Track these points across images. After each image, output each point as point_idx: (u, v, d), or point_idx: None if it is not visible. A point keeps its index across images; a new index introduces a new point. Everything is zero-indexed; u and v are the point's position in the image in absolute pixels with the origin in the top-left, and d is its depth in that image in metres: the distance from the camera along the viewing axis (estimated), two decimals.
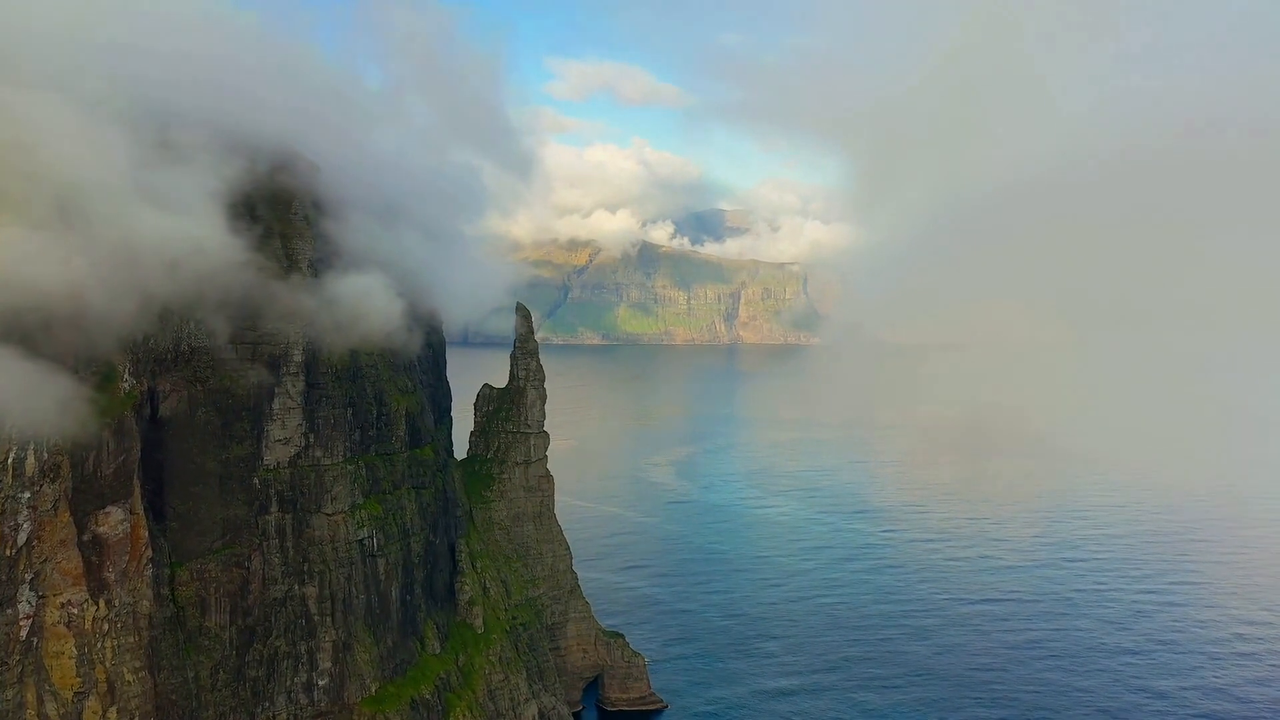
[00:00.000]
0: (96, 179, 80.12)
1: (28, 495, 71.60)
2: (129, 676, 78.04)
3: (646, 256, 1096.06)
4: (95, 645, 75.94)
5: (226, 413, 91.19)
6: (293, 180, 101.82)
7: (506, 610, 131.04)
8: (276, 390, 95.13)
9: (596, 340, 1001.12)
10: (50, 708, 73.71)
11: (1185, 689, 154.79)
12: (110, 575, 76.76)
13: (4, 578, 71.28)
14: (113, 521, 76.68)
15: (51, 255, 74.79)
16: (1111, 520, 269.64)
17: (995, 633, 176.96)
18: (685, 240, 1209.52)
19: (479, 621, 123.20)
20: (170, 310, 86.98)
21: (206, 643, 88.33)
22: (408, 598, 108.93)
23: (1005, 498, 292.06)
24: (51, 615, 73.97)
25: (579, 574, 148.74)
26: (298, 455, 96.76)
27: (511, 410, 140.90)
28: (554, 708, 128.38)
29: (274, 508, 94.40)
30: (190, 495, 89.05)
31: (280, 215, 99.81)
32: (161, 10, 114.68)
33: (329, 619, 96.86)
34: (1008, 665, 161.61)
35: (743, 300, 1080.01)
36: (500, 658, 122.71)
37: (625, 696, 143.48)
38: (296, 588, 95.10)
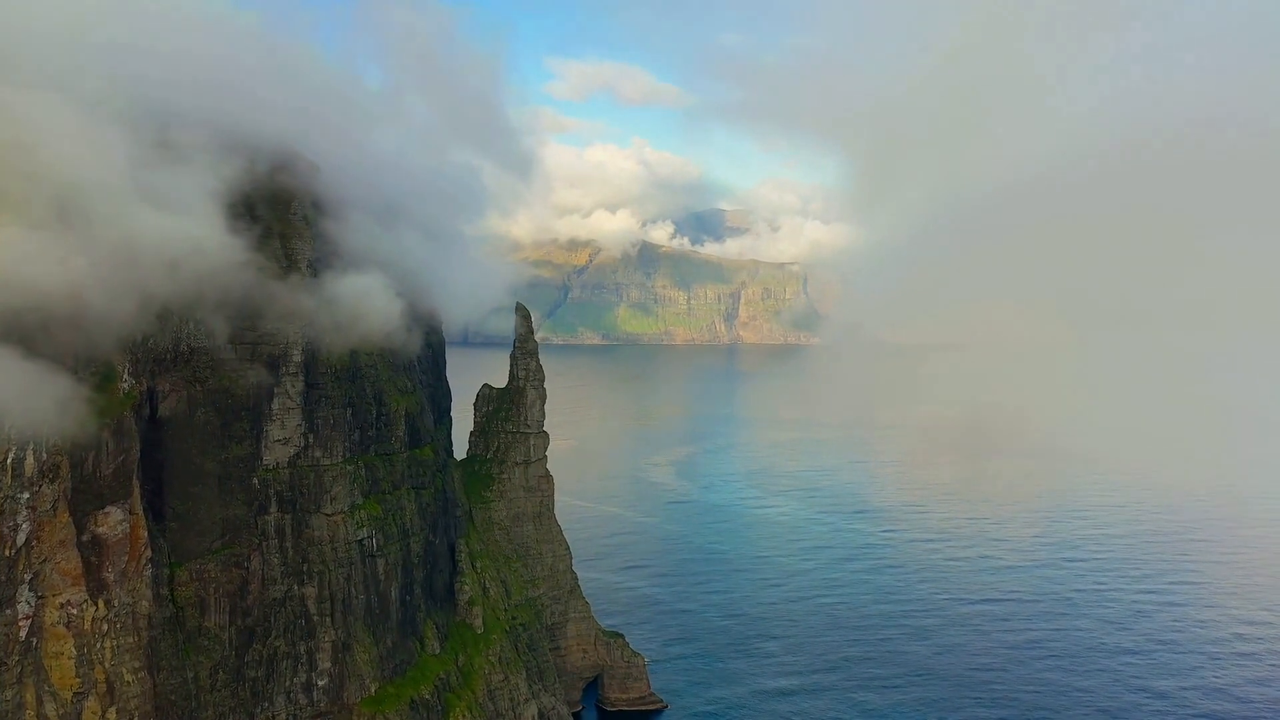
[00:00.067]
0: (96, 179, 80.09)
1: (27, 495, 71.58)
2: (128, 677, 78.01)
3: (646, 256, 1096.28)
4: (94, 645, 75.91)
5: (226, 413, 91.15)
6: (292, 180, 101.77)
7: (506, 610, 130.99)
8: (276, 390, 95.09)
9: (596, 340, 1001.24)
10: (49, 708, 73.68)
11: (1185, 689, 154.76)
12: (109, 575, 76.73)
13: (3, 578, 71.25)
14: (112, 522, 76.64)
15: (51, 255, 74.77)
16: (1111, 520, 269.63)
17: (995, 633, 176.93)
18: (685, 240, 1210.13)
19: (479, 622, 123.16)
20: (169, 310, 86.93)
21: (206, 643, 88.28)
22: (407, 598, 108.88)
23: (1005, 498, 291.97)
24: (51, 615, 73.94)
25: (579, 574, 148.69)
26: (297, 455, 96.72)
27: (511, 410, 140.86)
28: (554, 708, 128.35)
29: (273, 508, 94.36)
30: (189, 495, 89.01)
31: (280, 215, 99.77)
32: (161, 10, 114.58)
33: (328, 619, 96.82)
34: (1008, 665, 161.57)
35: (743, 300, 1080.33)
36: (500, 658, 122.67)
37: (625, 696, 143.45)
38: (296, 588, 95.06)
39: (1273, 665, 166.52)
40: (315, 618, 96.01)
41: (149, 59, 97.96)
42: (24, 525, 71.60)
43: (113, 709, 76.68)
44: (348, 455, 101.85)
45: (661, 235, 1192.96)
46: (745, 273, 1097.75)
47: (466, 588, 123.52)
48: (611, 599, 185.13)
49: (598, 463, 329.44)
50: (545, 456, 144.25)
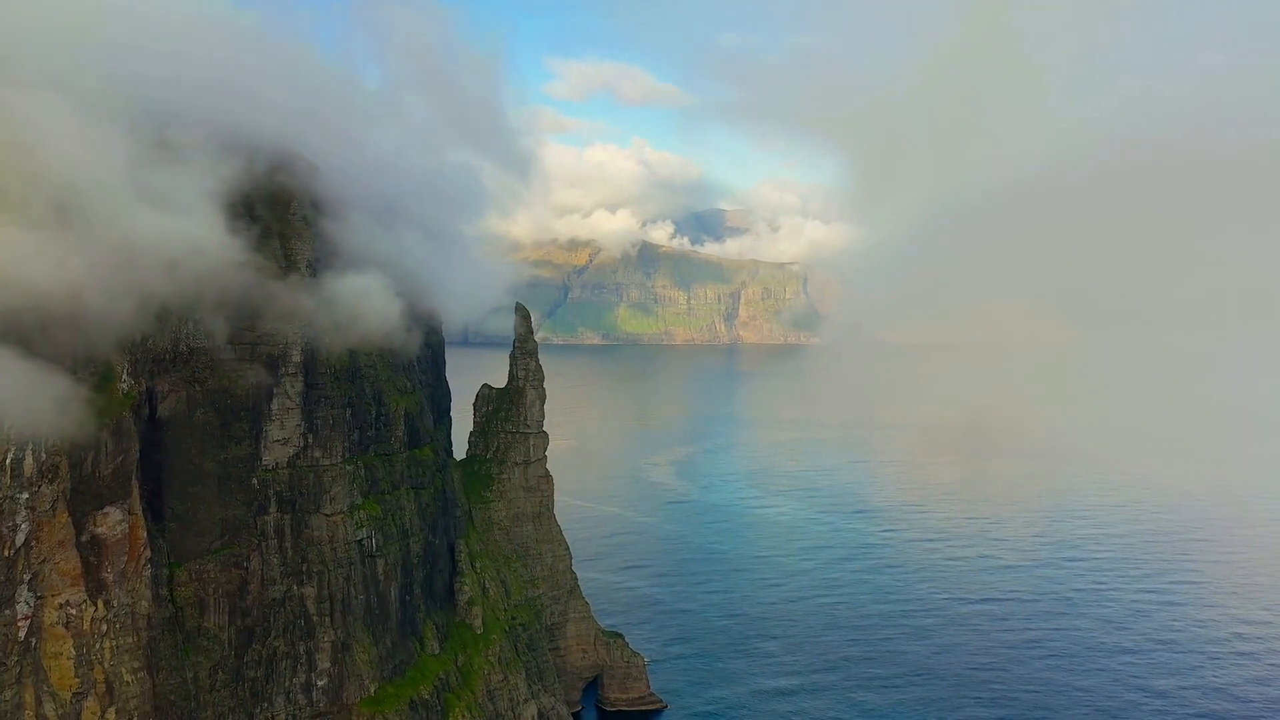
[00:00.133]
0: (95, 179, 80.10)
1: (26, 496, 71.61)
2: (127, 677, 78.00)
3: (646, 256, 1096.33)
4: (94, 646, 75.91)
5: (225, 413, 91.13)
6: (291, 180, 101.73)
7: (506, 610, 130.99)
8: (275, 390, 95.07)
9: (596, 340, 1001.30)
10: (48, 708, 73.69)
11: (1184, 688, 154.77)
12: (109, 576, 76.73)
13: (2, 578, 71.28)
14: (111, 522, 76.65)
15: (49, 255, 74.79)
16: (1111, 520, 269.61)
17: (995, 632, 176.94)
18: (685, 240, 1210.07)
19: (478, 622, 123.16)
20: (168, 310, 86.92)
21: (205, 643, 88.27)
22: (407, 598, 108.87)
23: (1005, 498, 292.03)
24: (50, 616, 73.95)
25: (578, 574, 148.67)
26: (296, 455, 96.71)
27: (511, 410, 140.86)
28: (553, 708, 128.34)
29: (272, 508, 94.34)
30: (189, 496, 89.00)
31: (279, 215, 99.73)
32: (161, 10, 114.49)
33: (328, 619, 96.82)
34: (1007, 665, 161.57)
35: (743, 300, 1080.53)
36: (499, 658, 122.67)
37: (625, 696, 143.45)
38: (295, 588, 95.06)
39: (1272, 665, 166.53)
40: (315, 618, 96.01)
41: (148, 59, 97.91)
42: (23, 525, 71.63)
43: (112, 709, 76.69)
44: (347, 455, 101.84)
45: (661, 235, 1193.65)
46: (745, 273, 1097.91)
47: (466, 588, 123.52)
48: (611, 599, 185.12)
49: (598, 463, 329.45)
50: (545, 456, 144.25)
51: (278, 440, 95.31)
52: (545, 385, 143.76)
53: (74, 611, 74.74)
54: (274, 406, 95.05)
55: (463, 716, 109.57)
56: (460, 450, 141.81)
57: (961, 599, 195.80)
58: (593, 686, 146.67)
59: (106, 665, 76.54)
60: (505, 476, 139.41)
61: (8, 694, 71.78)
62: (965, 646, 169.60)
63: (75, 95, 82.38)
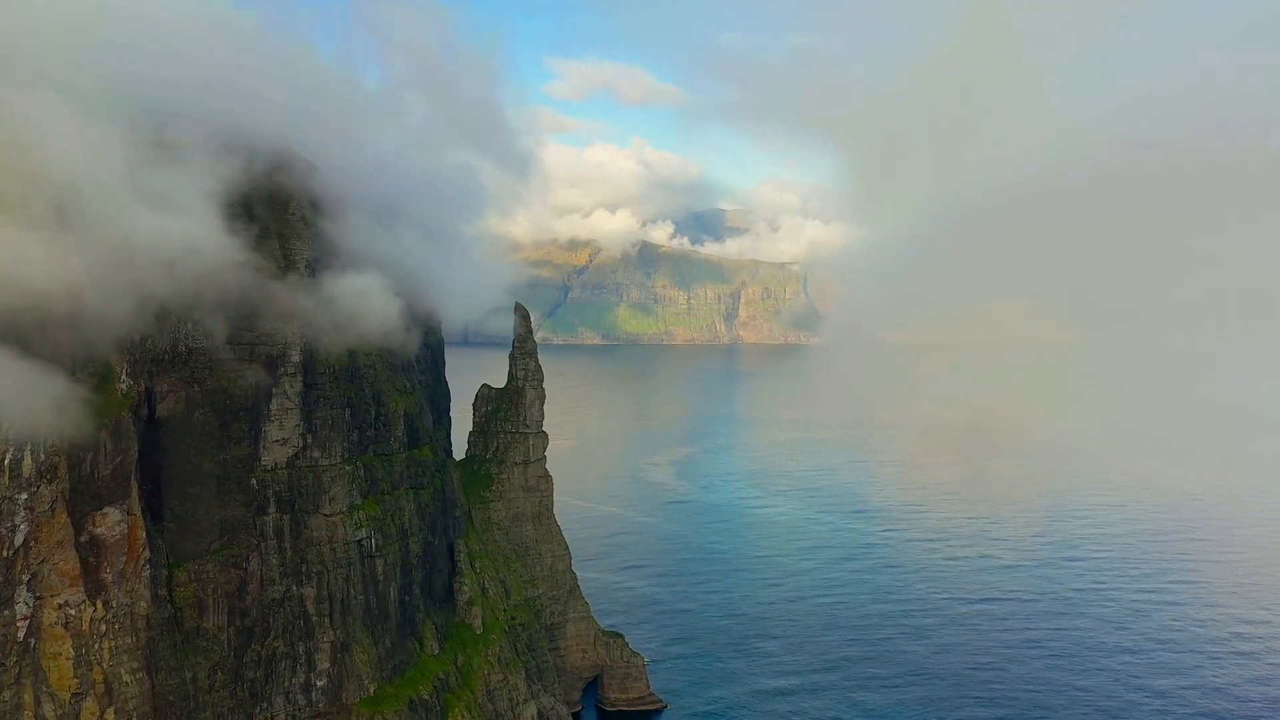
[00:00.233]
0: (93, 179, 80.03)
1: (25, 496, 71.53)
2: (126, 677, 77.94)
3: (646, 256, 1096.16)
4: (93, 646, 75.86)
5: (224, 413, 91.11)
6: (290, 180, 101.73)
7: (505, 610, 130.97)
8: (274, 391, 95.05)
9: (596, 340, 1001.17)
10: (47, 709, 73.64)
11: (1184, 688, 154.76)
12: (108, 576, 76.67)
13: (1, 579, 71.21)
14: (110, 522, 76.59)
15: (48, 255, 74.68)
16: (1111, 520, 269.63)
17: (994, 632, 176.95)
18: (685, 240, 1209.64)
19: (478, 622, 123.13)
20: (167, 310, 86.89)
21: (204, 644, 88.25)
22: (406, 598, 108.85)
23: (1005, 498, 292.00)
24: (49, 616, 73.89)
25: (578, 574, 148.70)
26: (295, 456, 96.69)
27: (510, 410, 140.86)
28: (553, 708, 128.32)
29: (272, 508, 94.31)
30: (188, 496, 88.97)
31: (278, 215, 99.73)
32: (160, 10, 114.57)
33: (327, 620, 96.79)
34: (1007, 664, 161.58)
35: (743, 300, 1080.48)
36: (499, 658, 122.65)
37: (624, 696, 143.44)
38: (294, 588, 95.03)
39: (1272, 664, 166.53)
40: (314, 618, 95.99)
41: (147, 59, 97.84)
42: (22, 526, 71.56)
43: (111, 710, 76.63)
44: (346, 455, 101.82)
45: (661, 235, 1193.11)
46: (745, 272, 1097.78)
47: (465, 588, 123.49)
48: (611, 599, 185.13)
49: (598, 463, 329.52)
50: (544, 456, 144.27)
51: (277, 440, 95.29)
52: (545, 385, 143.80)
53: (73, 612, 74.69)
54: (273, 407, 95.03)
55: (462, 717, 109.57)
56: (460, 450, 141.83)
57: (961, 599, 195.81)
58: (592, 686, 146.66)
59: (105, 666, 76.49)
60: (505, 476, 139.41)
61: (7, 694, 71.73)
62: (965, 646, 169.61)
63: (74, 95, 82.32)
